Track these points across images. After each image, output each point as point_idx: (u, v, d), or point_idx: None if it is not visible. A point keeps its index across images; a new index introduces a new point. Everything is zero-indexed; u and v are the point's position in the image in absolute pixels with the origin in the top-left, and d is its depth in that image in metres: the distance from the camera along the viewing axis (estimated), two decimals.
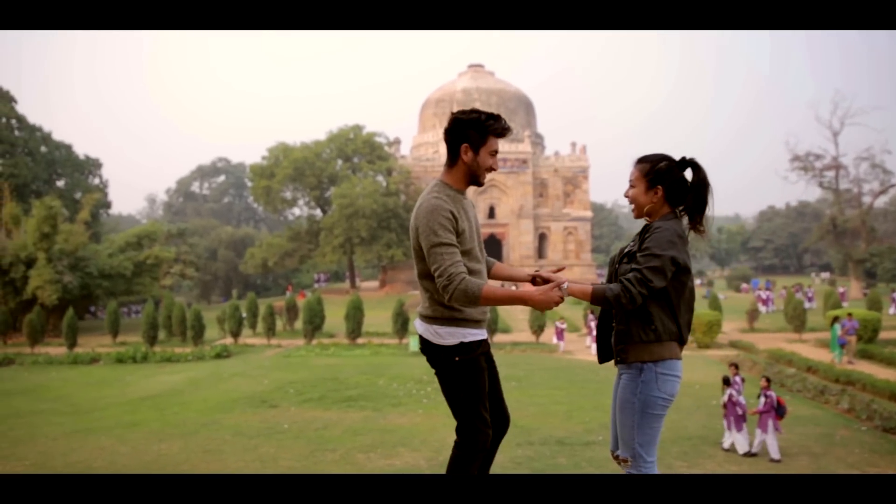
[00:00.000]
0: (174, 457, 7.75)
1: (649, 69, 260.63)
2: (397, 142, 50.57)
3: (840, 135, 40.83)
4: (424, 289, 3.07)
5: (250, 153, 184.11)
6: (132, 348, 21.35)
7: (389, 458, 7.48)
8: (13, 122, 43.00)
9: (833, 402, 11.10)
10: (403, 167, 47.34)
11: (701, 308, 23.94)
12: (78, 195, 44.01)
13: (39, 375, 17.37)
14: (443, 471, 3.23)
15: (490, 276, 3.31)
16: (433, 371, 3.14)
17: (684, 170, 2.98)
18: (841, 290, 33.71)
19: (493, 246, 47.48)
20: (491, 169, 3.08)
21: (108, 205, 50.57)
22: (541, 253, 49.89)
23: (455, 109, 3.21)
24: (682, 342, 2.94)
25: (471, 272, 3.02)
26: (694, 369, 15.45)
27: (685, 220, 2.98)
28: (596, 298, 2.83)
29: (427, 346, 3.10)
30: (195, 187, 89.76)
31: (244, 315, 25.07)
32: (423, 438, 8.41)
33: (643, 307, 2.84)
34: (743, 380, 8.61)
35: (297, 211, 55.00)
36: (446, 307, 2.98)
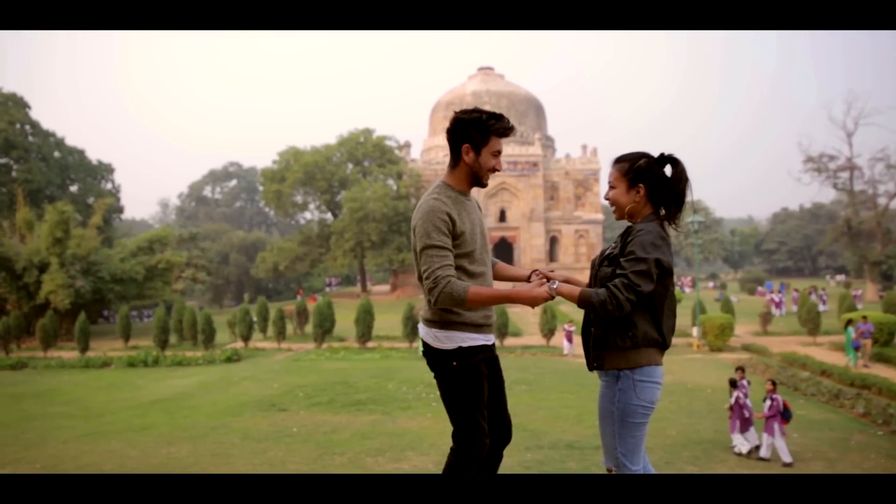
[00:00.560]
0: (183, 460, 7.77)
1: (657, 70, 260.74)
2: (407, 145, 50.54)
3: (854, 135, 40.51)
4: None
5: (262, 158, 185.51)
6: (143, 352, 21.45)
7: (398, 461, 7.44)
8: (27, 127, 43.46)
9: (848, 406, 10.94)
10: (414, 171, 47.31)
11: (713, 311, 23.77)
12: (91, 200, 44.43)
13: (52, 379, 17.48)
14: None
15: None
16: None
17: (664, 166, 2.88)
18: (856, 292, 33.33)
19: (505, 249, 47.37)
20: (494, 170, 2.99)
21: (120, 209, 51.01)
22: (552, 256, 49.63)
23: None
24: (663, 347, 2.85)
25: (473, 275, 2.96)
26: (706, 373, 15.32)
27: (661, 212, 2.90)
28: (582, 302, 2.75)
29: (427, 350, 3.05)
30: (207, 192, 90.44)
31: (255, 319, 25.16)
32: (432, 442, 8.36)
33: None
34: (749, 382, 8.52)
35: (307, 215, 55.27)
36: (444, 310, 2.92)
